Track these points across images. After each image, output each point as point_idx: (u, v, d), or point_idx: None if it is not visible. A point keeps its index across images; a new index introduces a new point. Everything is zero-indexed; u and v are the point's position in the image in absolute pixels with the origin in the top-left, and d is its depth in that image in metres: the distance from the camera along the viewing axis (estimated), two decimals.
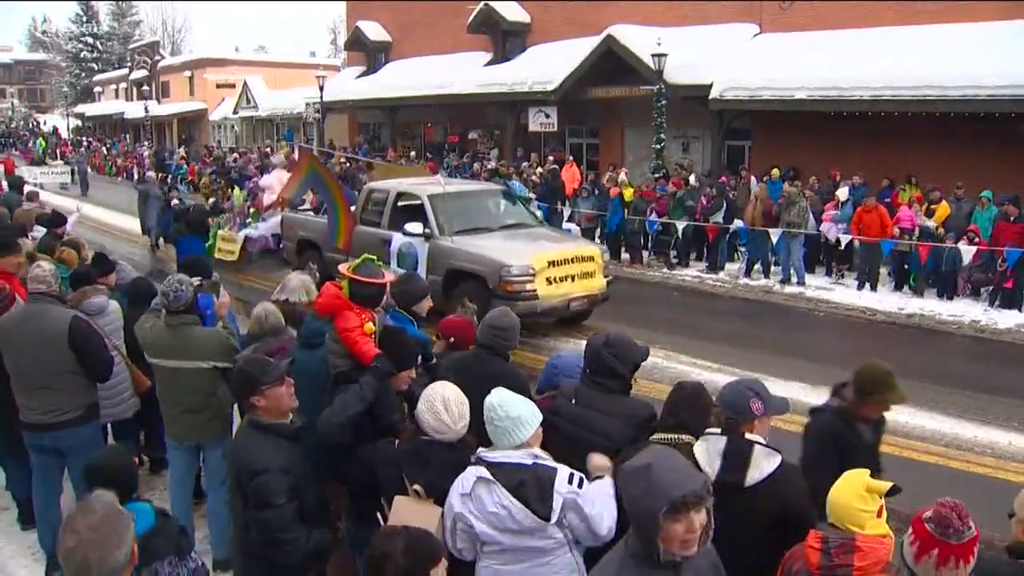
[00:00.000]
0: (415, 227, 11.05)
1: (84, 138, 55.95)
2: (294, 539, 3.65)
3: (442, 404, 3.51)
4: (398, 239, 11.44)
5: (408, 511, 3.43)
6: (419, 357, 4.33)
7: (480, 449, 3.39)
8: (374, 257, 4.91)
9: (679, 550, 2.44)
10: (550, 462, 3.30)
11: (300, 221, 14.27)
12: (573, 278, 10.69)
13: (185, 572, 3.17)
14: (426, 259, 11.00)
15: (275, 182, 16.09)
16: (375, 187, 12.96)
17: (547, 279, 10.36)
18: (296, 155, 21.76)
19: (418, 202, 11.74)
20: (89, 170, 36.16)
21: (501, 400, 3.36)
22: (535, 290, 10.23)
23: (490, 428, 3.34)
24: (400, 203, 12.09)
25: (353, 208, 12.39)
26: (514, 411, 3.33)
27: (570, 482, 3.22)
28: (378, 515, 3.63)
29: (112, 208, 26.22)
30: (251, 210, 16.51)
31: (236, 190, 19.96)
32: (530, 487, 3.19)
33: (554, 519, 3.17)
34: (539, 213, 14.82)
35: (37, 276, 5.27)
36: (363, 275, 4.66)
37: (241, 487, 3.74)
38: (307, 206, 15.03)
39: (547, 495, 3.17)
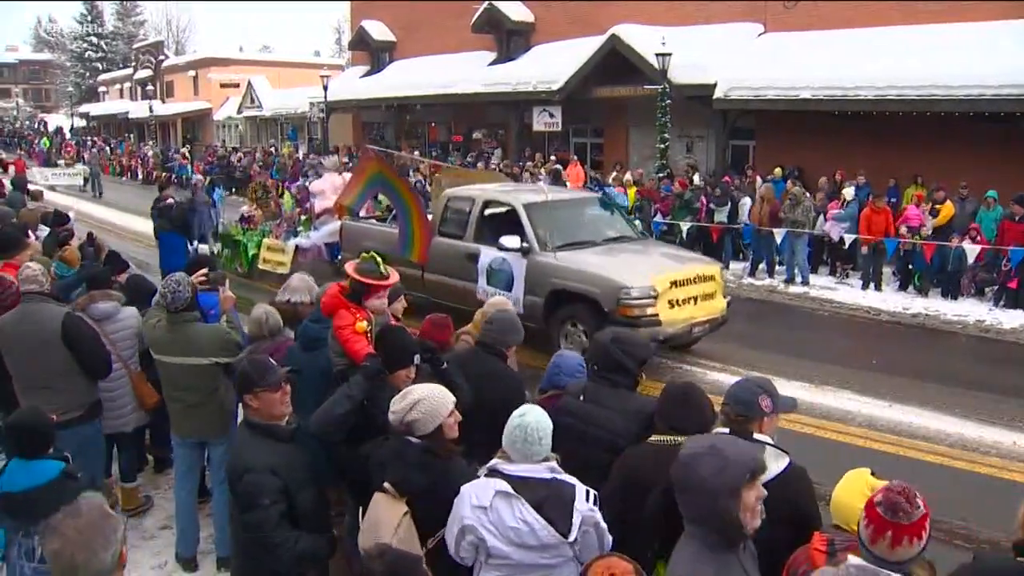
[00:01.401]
0: (512, 241, 9.84)
1: (89, 138, 55.95)
2: (281, 542, 3.59)
3: (409, 392, 3.60)
4: (488, 254, 10.27)
5: (381, 508, 3.46)
6: (416, 356, 4.28)
7: (496, 460, 3.36)
8: (376, 256, 4.91)
9: (751, 520, 2.65)
10: (566, 476, 3.29)
11: (364, 230, 12.87)
12: (695, 300, 9.50)
13: None
14: (523, 277, 9.83)
15: (328, 186, 14.80)
16: (456, 194, 11.53)
17: (669, 302, 9.15)
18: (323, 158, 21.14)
19: (508, 211, 10.58)
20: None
21: (536, 422, 3.32)
22: (657, 314, 8.99)
23: (520, 446, 3.29)
24: (487, 212, 10.92)
25: (430, 216, 10.95)
26: (538, 430, 3.30)
27: (587, 499, 3.22)
28: (359, 511, 3.67)
29: (123, 209, 26.14)
30: (302, 217, 15.31)
31: (286, 195, 18.98)
32: (552, 504, 3.18)
33: (572, 536, 3.16)
34: (638, 224, 13.38)
35: (28, 276, 5.29)
36: (364, 274, 4.68)
37: (232, 486, 3.75)
38: (362, 212, 13.55)
39: (568, 512, 3.17)
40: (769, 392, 3.46)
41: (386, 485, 3.45)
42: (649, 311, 8.97)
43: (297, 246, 14.07)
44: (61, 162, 40.48)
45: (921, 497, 2.57)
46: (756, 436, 3.34)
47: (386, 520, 3.35)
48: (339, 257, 13.35)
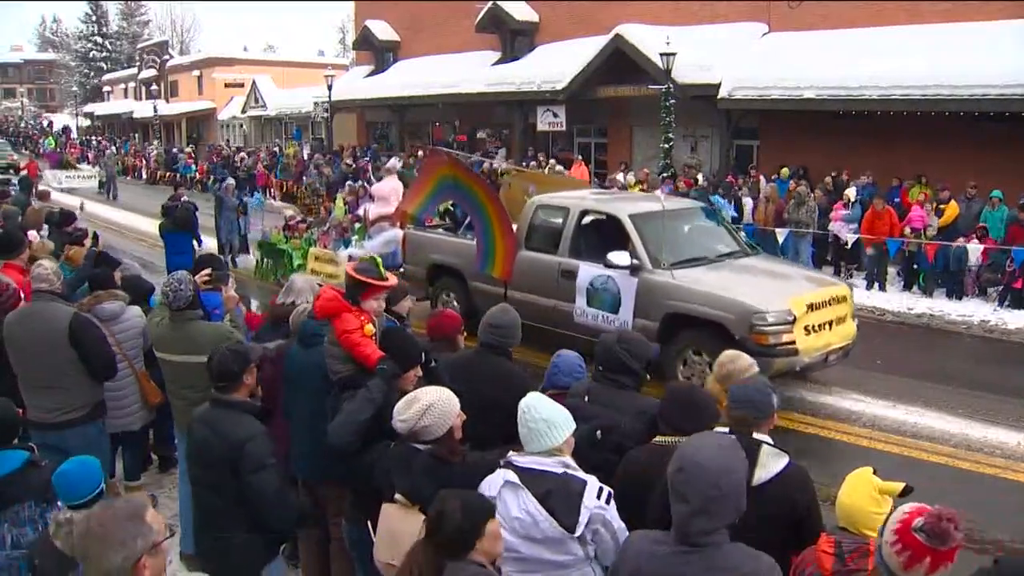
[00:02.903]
0: (621, 257, 8.76)
1: (94, 138, 56.05)
2: (287, 499, 3.88)
3: (414, 397, 3.56)
4: (589, 271, 9.17)
5: (394, 519, 3.42)
6: (421, 356, 4.25)
7: (511, 453, 3.36)
8: (376, 257, 4.85)
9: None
10: (580, 474, 3.26)
11: (432, 241, 11.62)
12: (831, 325, 8.48)
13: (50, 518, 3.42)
14: (633, 298, 8.76)
15: (388, 191, 13.89)
16: (546, 202, 10.33)
17: (805, 327, 8.14)
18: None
19: (611, 222, 9.47)
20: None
21: (534, 403, 3.34)
22: (794, 342, 7.99)
23: (523, 431, 3.30)
24: (584, 223, 9.78)
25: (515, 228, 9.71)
26: (547, 413, 3.30)
27: (599, 496, 3.17)
28: (368, 524, 3.63)
29: (129, 209, 26.14)
30: (356, 225, 14.22)
31: (338, 200, 17.70)
32: (558, 496, 3.15)
33: (578, 532, 3.13)
34: (743, 236, 11.73)
35: (39, 275, 5.29)
36: (362, 273, 4.53)
37: (220, 466, 3.79)
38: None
39: (574, 506, 3.13)
40: (774, 392, 3.49)
41: (397, 496, 3.42)
42: (785, 338, 7.95)
43: (350, 256, 12.36)
44: (81, 165, 39.72)
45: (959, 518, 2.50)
46: (756, 435, 3.34)
47: (406, 531, 3.28)
48: (401, 269, 12.15)
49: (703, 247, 9.52)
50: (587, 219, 9.76)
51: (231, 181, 18.32)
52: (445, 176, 9.09)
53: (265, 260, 14.85)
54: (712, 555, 2.51)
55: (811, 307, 8.25)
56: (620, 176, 19.71)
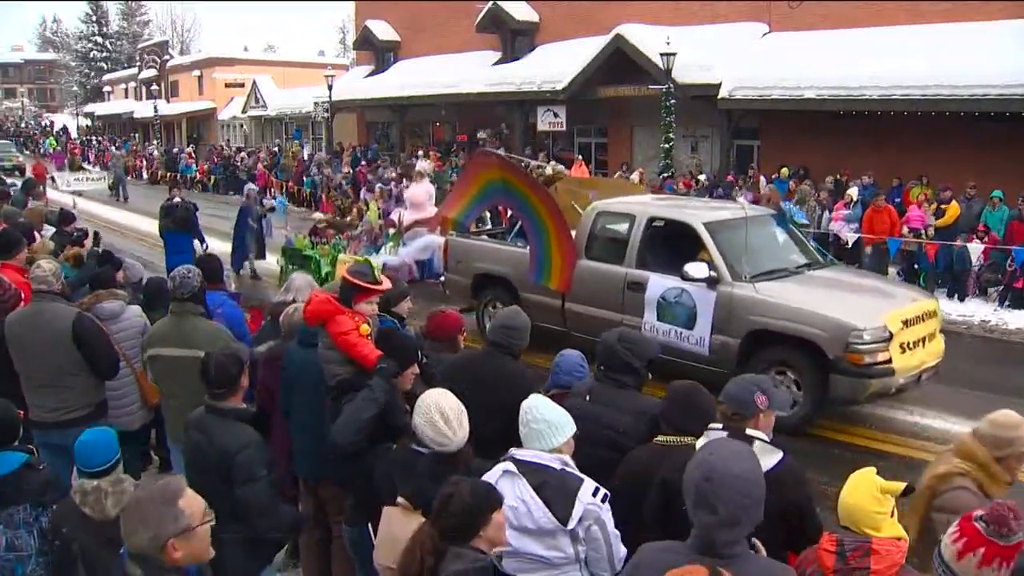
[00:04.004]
0: (699, 269, 8.11)
1: (93, 138, 56.07)
2: (279, 509, 3.86)
3: (440, 415, 3.45)
4: (660, 283, 8.52)
5: (396, 522, 3.39)
6: (418, 354, 4.27)
7: (512, 449, 3.40)
8: (370, 260, 4.85)
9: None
10: (578, 473, 3.31)
11: (479, 249, 10.90)
12: (924, 342, 7.98)
13: (45, 521, 3.52)
14: (711, 313, 8.13)
15: (423, 195, 13.44)
16: (609, 209, 9.64)
17: (900, 345, 7.60)
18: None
19: (683, 231, 8.81)
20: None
21: (536, 404, 3.39)
22: (890, 361, 7.44)
23: (524, 430, 3.36)
24: (653, 231, 9.11)
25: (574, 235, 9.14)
26: (548, 415, 3.34)
27: (595, 495, 3.21)
28: (368, 526, 3.62)
29: (130, 210, 26.09)
30: (390, 231, 13.50)
31: (371, 204, 16.78)
32: (553, 488, 3.19)
33: (571, 525, 3.15)
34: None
35: (39, 276, 5.28)
36: (356, 276, 4.48)
37: (213, 474, 3.77)
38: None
39: (570, 499, 3.17)
40: (765, 390, 3.49)
41: (400, 499, 3.42)
42: (881, 357, 7.39)
43: (385, 264, 11.80)
44: (89, 166, 38.81)
45: None
46: (749, 432, 3.36)
47: (407, 534, 3.24)
48: (441, 278, 11.56)
49: (780, 258, 8.90)
50: (655, 227, 9.09)
51: (252, 186, 17.23)
52: (493, 180, 8.61)
53: (290, 266, 13.81)
54: (739, 567, 2.44)
55: (906, 323, 7.72)
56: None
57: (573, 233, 9.05)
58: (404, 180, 17.41)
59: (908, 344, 7.68)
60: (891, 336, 7.46)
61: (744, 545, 2.51)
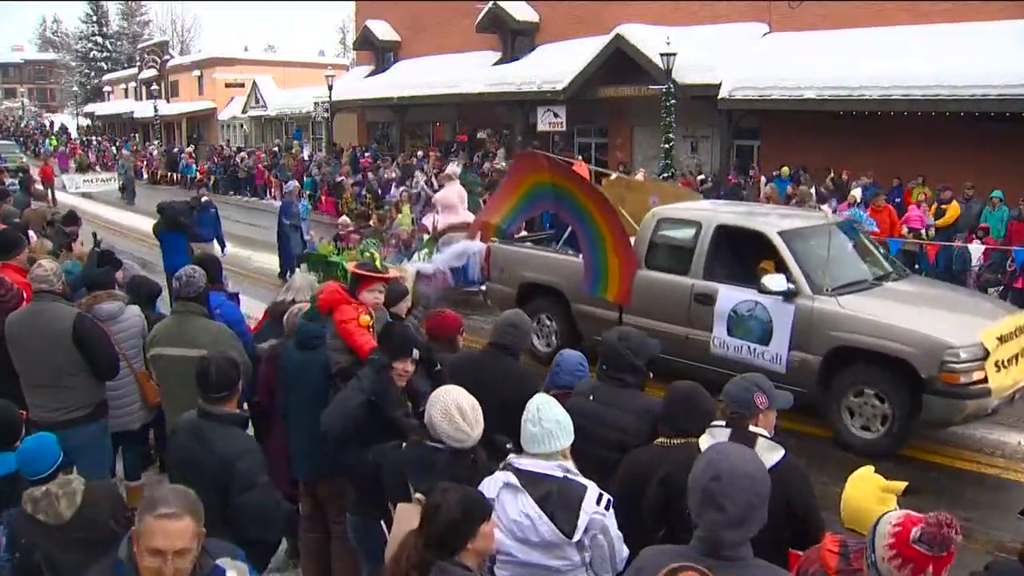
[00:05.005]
0: (778, 282, 7.56)
1: (93, 138, 56.06)
2: (279, 510, 3.89)
3: (458, 411, 3.43)
4: (731, 296, 7.97)
5: (411, 519, 3.38)
6: (412, 350, 4.23)
7: (511, 456, 3.34)
8: (375, 254, 4.99)
9: None
10: (580, 478, 3.24)
11: (525, 257, 10.23)
12: (1017, 358, 7.37)
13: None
14: (789, 329, 7.54)
15: (456, 199, 12.75)
16: (671, 215, 9.04)
17: (995, 363, 7.04)
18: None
19: (755, 239, 8.20)
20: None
21: (546, 403, 3.33)
22: (986, 380, 6.90)
23: (534, 430, 3.26)
24: (721, 240, 8.45)
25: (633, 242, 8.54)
26: (560, 415, 3.30)
27: (598, 502, 3.15)
28: (382, 523, 3.61)
29: (135, 211, 26.01)
30: (424, 236, 12.78)
31: (404, 209, 15.58)
32: (557, 500, 3.12)
33: (576, 537, 3.10)
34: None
35: (39, 275, 5.27)
36: (359, 267, 4.79)
37: (208, 482, 3.67)
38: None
39: (574, 512, 3.11)
40: (764, 389, 3.48)
41: (418, 496, 3.36)
42: (977, 376, 6.88)
43: (418, 272, 11.15)
44: (98, 168, 38.13)
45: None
46: (752, 429, 3.36)
47: None
48: (482, 287, 11.05)
49: (858, 268, 8.28)
50: (724, 235, 8.45)
51: (295, 184, 16.21)
52: (541, 183, 8.20)
53: (315, 273, 13.05)
54: (744, 572, 2.44)
55: (1001, 339, 7.18)
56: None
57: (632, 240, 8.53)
58: (433, 184, 16.78)
59: (1003, 362, 7.15)
60: (987, 354, 6.96)
61: (749, 548, 2.50)
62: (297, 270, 6.99)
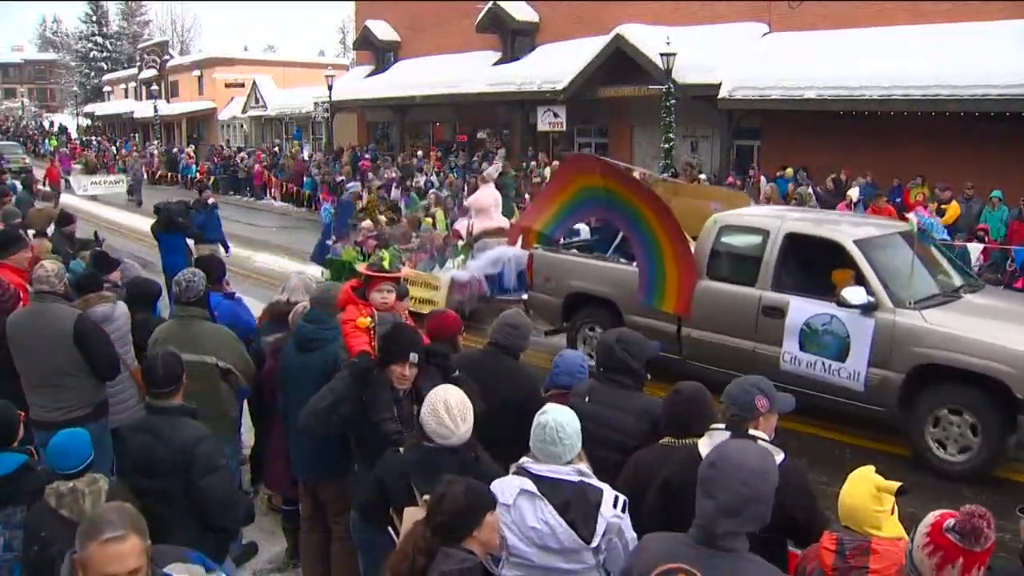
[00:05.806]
0: (858, 295, 7.09)
1: (93, 138, 56.05)
2: (240, 497, 3.99)
3: (444, 407, 3.44)
4: (804, 309, 7.49)
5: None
6: (411, 353, 4.17)
7: (524, 459, 3.32)
8: (385, 255, 5.08)
9: None
10: (595, 481, 3.23)
11: (572, 265, 9.67)
12: None
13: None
14: (869, 344, 7.08)
15: (490, 203, 12.26)
16: (734, 223, 8.53)
17: None
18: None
19: (828, 249, 7.72)
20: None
21: (564, 419, 3.26)
22: None
23: (556, 449, 3.21)
24: (791, 249, 7.95)
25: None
26: (577, 426, 3.27)
27: (615, 505, 3.15)
28: (390, 529, 3.60)
29: (140, 212, 25.98)
30: (458, 243, 12.13)
31: (437, 212, 14.84)
32: (576, 507, 3.11)
33: (595, 543, 3.10)
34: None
35: (40, 276, 5.29)
36: (367, 269, 4.99)
37: (170, 473, 3.76)
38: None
39: (592, 517, 3.11)
40: (765, 392, 3.47)
41: (425, 498, 3.39)
42: None
43: (453, 279, 10.78)
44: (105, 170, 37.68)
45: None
46: (752, 432, 3.35)
47: None
48: (524, 296, 10.45)
49: (936, 280, 7.84)
50: (794, 244, 7.96)
51: (356, 185, 15.40)
52: (593, 188, 7.83)
53: (343, 280, 12.12)
54: (736, 564, 2.46)
55: None
56: None
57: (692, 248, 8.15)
58: (466, 188, 16.07)
59: None
60: None
61: (745, 542, 2.52)
62: (293, 273, 6.96)
